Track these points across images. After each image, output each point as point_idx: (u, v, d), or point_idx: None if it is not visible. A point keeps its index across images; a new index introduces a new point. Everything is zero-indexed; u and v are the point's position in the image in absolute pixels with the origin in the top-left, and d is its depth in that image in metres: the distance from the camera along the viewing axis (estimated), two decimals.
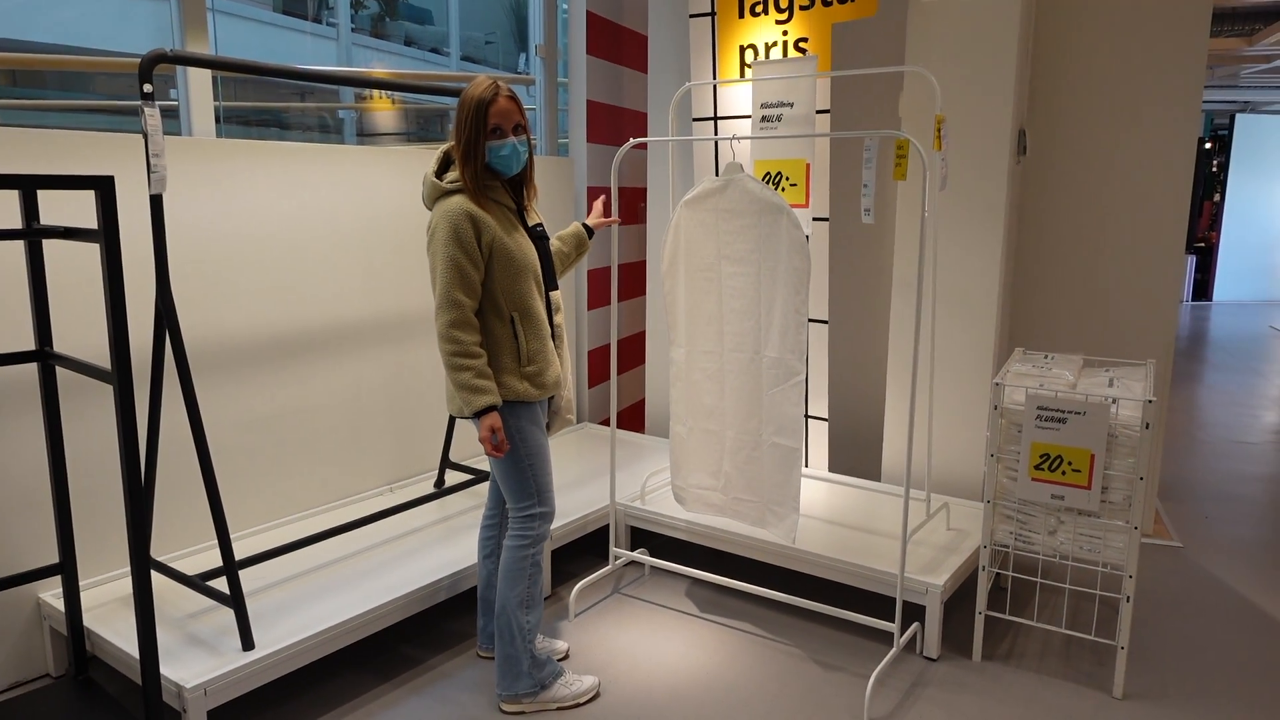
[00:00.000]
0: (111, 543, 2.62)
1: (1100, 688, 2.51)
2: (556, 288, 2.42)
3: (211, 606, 2.48)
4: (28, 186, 1.74)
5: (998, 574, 2.94)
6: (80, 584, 2.54)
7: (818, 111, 3.30)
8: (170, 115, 2.95)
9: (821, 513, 3.17)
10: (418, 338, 3.46)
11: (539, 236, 2.37)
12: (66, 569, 2.29)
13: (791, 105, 3.17)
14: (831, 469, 3.63)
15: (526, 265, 2.27)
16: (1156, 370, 2.78)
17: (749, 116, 3.52)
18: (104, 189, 1.80)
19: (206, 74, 2.89)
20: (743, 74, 3.51)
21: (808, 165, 3.22)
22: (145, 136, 2.14)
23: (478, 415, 2.20)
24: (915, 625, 2.67)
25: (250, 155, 2.84)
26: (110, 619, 2.41)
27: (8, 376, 2.38)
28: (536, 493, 2.35)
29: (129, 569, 2.62)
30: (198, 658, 2.21)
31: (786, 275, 2.52)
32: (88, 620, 2.38)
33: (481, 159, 2.22)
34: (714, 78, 3.60)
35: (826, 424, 3.57)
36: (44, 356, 2.17)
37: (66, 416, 2.49)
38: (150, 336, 2.60)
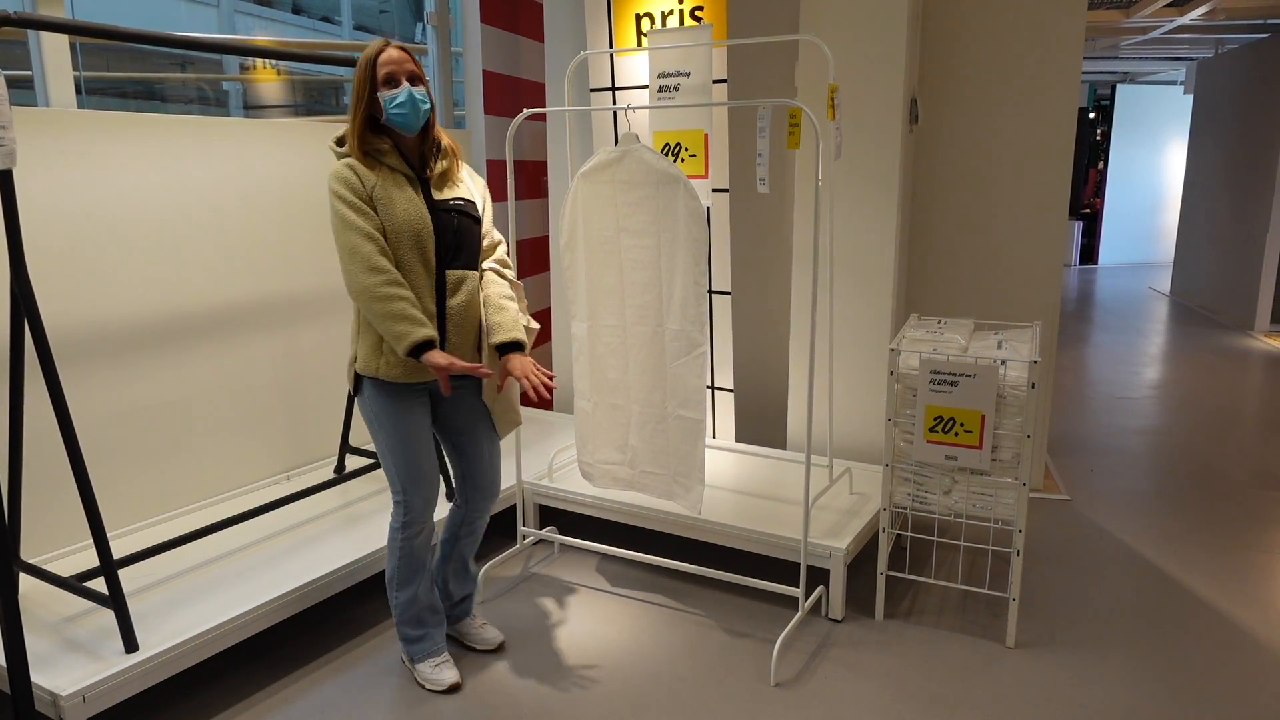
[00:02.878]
0: None
1: (994, 639, 2.61)
2: (462, 265, 2.21)
3: (89, 609, 2.34)
4: None
5: (897, 535, 3.02)
6: None
7: (715, 81, 3.28)
8: (26, 85, 2.74)
9: (728, 483, 3.19)
10: (308, 319, 3.33)
11: (449, 211, 2.19)
12: None
13: (688, 75, 3.15)
14: (738, 439, 3.66)
15: (407, 229, 2.11)
16: (1043, 332, 2.88)
17: (647, 87, 3.48)
18: None
19: (63, 40, 2.69)
20: (639, 43, 3.47)
21: (705, 136, 3.20)
22: None
23: (417, 354, 2.07)
24: (820, 589, 2.72)
25: (115, 128, 2.66)
26: None
27: None
28: (397, 481, 2.26)
29: None
30: (76, 663, 2.09)
31: (686, 246, 2.50)
32: None
33: (365, 116, 2.13)
34: (611, 47, 3.55)
35: (732, 395, 3.60)
36: None
37: None
38: (8, 324, 2.42)
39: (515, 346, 2.22)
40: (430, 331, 2.09)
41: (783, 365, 3.96)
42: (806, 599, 2.63)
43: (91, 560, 2.57)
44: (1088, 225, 11.58)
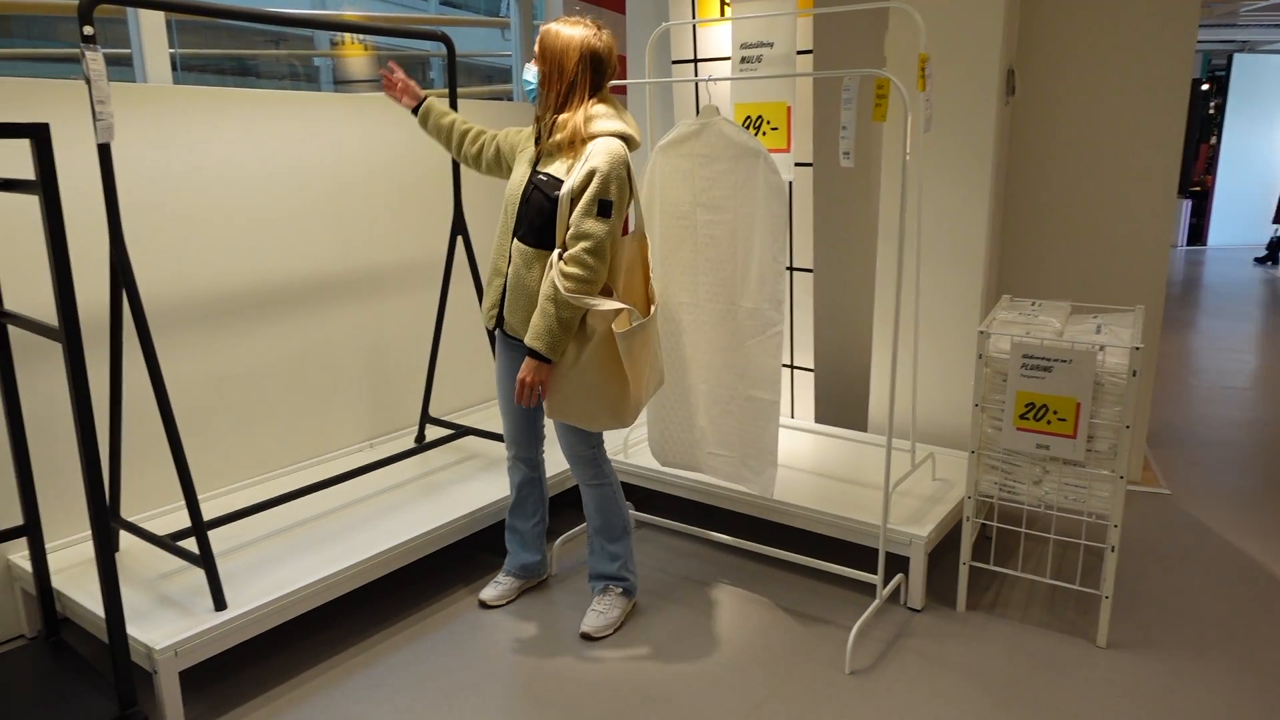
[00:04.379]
0: (83, 502, 2.57)
1: (1084, 636, 2.49)
2: (521, 236, 2.29)
3: (184, 567, 2.44)
4: None
5: (982, 524, 2.92)
6: (51, 545, 2.50)
7: (799, 52, 3.19)
8: (126, 63, 2.83)
9: (806, 464, 3.13)
10: (392, 289, 3.39)
11: (541, 185, 2.27)
12: (31, 531, 2.24)
13: (771, 45, 3.06)
14: (818, 420, 3.59)
15: (508, 191, 2.36)
16: (1146, 316, 2.72)
17: (729, 59, 3.40)
18: (39, 137, 1.71)
19: (159, 18, 2.77)
20: (723, 13, 3.39)
21: (789, 108, 3.11)
22: (88, 82, 2.05)
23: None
24: (899, 576, 2.65)
25: (209, 102, 2.73)
26: (81, 580, 2.37)
27: None
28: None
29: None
30: (169, 619, 2.18)
31: (764, 222, 2.44)
32: (57, 582, 2.34)
33: None
34: (693, 18, 3.48)
35: (812, 374, 3.52)
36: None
37: (30, 375, 2.42)
38: (108, 293, 2.52)
39: (530, 351, 2.25)
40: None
41: (865, 345, 3.85)
42: (885, 586, 2.56)
43: (187, 520, 2.68)
44: (1197, 204, 10.94)
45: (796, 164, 3.27)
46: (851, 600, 2.70)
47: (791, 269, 3.43)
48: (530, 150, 2.37)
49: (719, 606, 2.67)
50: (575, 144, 2.25)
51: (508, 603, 2.70)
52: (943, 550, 2.95)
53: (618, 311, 2.23)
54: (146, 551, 2.52)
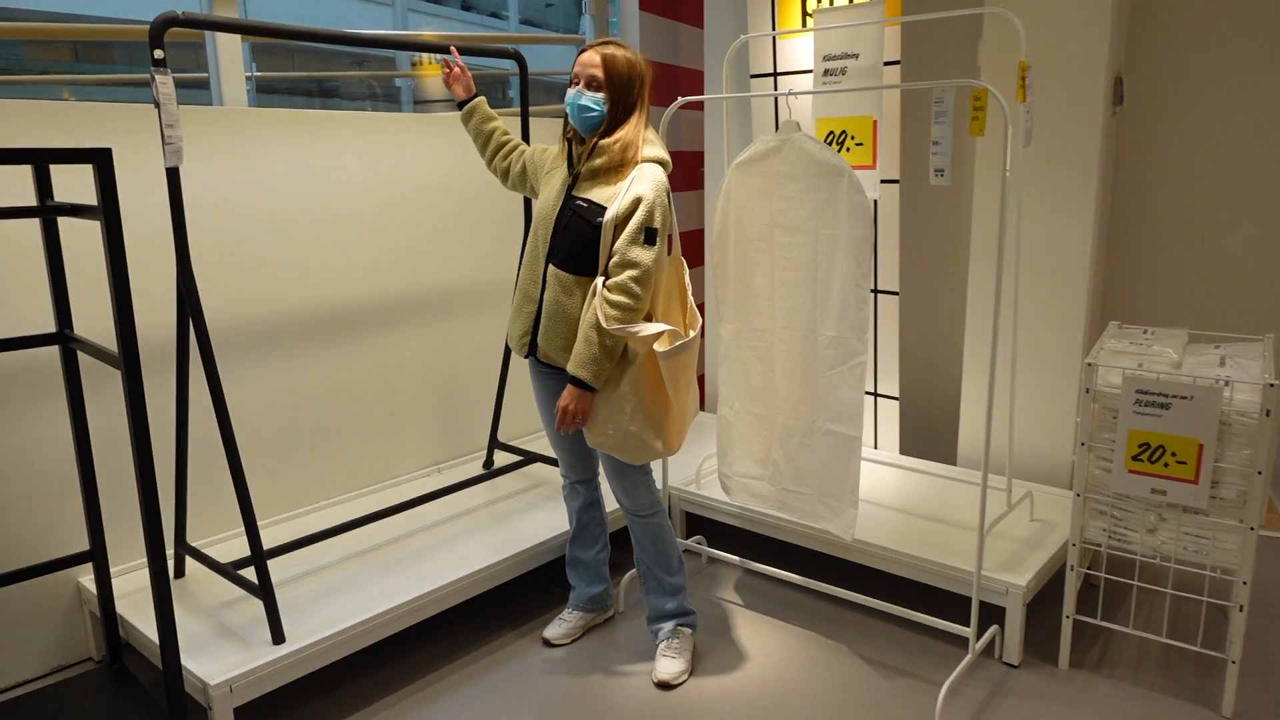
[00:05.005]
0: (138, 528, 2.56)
1: (1206, 704, 2.24)
2: (559, 262, 2.20)
3: (247, 595, 2.40)
4: (19, 161, 1.63)
5: (1087, 574, 2.67)
6: (117, 569, 2.49)
7: (886, 63, 3.02)
8: (205, 86, 2.85)
9: (890, 500, 2.94)
10: (462, 311, 3.33)
11: (581, 211, 2.18)
12: (97, 556, 2.23)
13: (856, 57, 2.90)
14: (903, 451, 3.38)
15: (539, 215, 2.27)
16: (1277, 347, 2.45)
17: (811, 71, 3.25)
18: (101, 163, 1.68)
19: (236, 41, 2.78)
20: (804, 24, 3.24)
21: (875, 123, 2.94)
22: (158, 106, 2.03)
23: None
24: (994, 628, 2.44)
25: (282, 124, 2.72)
26: (144, 606, 2.35)
27: (40, 359, 2.32)
28: None
29: (169, 553, 2.56)
30: (226, 651, 2.13)
31: (847, 244, 2.28)
32: (121, 607, 2.33)
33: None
34: (773, 29, 3.34)
35: (897, 403, 3.32)
36: (64, 339, 2.10)
37: (99, 399, 2.42)
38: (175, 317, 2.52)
39: (573, 379, 2.17)
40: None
41: (955, 373, 3.63)
42: (978, 639, 2.36)
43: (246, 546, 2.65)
44: None
45: (883, 181, 3.09)
46: (940, 653, 2.50)
47: (876, 291, 3.25)
48: (561, 172, 2.28)
49: (794, 653, 2.50)
50: (620, 167, 2.17)
51: (573, 641, 2.58)
52: (1042, 600, 2.72)
53: (659, 334, 2.13)
54: (213, 577, 2.50)
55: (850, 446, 2.35)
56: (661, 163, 2.22)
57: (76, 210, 1.83)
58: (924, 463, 3.26)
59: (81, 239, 2.36)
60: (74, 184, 2.31)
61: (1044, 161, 2.93)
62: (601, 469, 2.42)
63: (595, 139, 2.19)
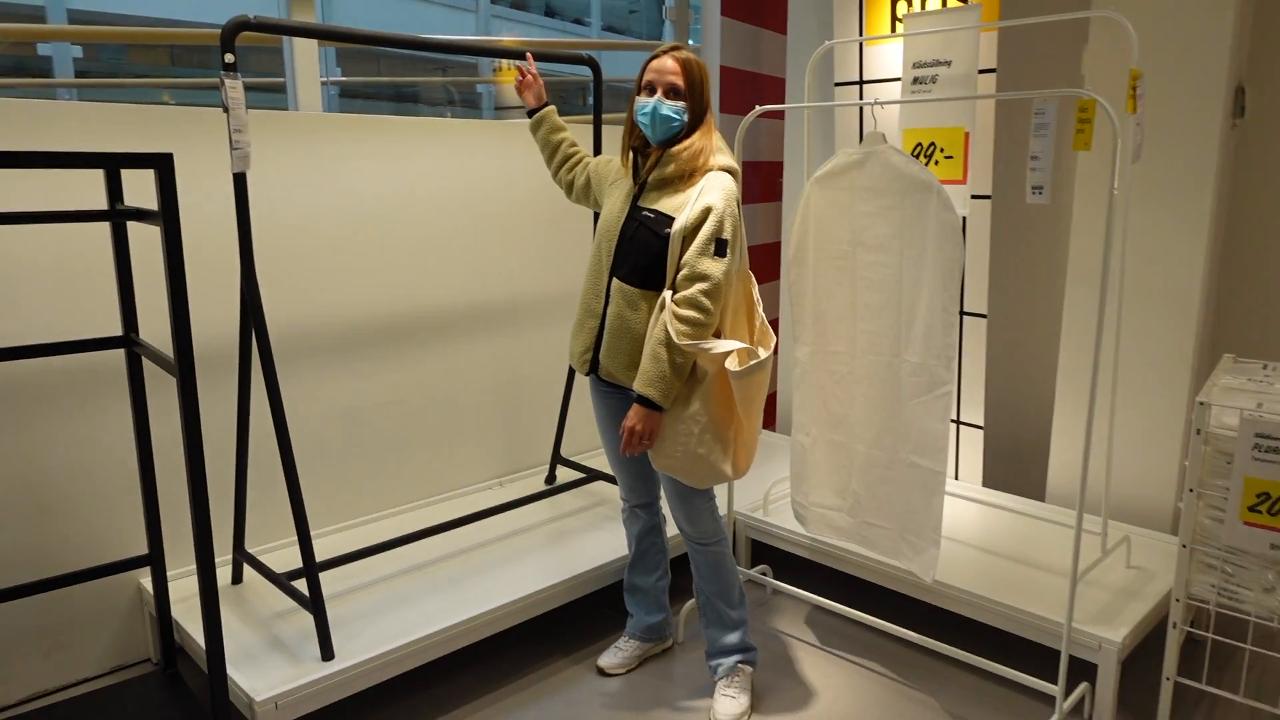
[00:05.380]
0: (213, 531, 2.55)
1: None
2: (625, 276, 2.11)
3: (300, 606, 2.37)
4: (80, 165, 1.61)
5: (1191, 632, 2.44)
6: (176, 573, 2.49)
7: (980, 71, 2.84)
8: (280, 90, 2.86)
9: (972, 537, 2.75)
10: (527, 323, 3.27)
11: (647, 223, 2.08)
12: (154, 560, 2.22)
13: (949, 64, 2.73)
14: (986, 484, 3.18)
15: (603, 227, 2.19)
16: None
17: (900, 80, 3.09)
18: (162, 168, 1.66)
19: (313, 46, 2.77)
20: (894, 29, 3.08)
21: (966, 134, 2.77)
22: (226, 110, 2.01)
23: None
24: (1084, 686, 2.24)
25: (354, 130, 2.70)
26: (199, 611, 2.33)
27: (109, 362, 2.33)
28: None
29: (227, 559, 2.56)
30: (276, 664, 2.10)
31: (935, 265, 2.12)
32: (176, 612, 2.32)
33: (630, 115, 2.16)
34: (860, 35, 3.19)
35: (981, 433, 3.13)
36: (128, 343, 2.09)
37: (164, 404, 2.43)
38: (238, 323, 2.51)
39: (640, 398, 2.06)
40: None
41: (1045, 402, 3.40)
42: (1066, 698, 2.16)
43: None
44: None
45: (973, 196, 2.91)
46: (1023, 709, 2.31)
47: (963, 313, 3.06)
48: (626, 183, 2.19)
49: (863, 698, 2.35)
50: (690, 176, 2.07)
51: (628, 671, 2.48)
52: (1139, 658, 2.50)
53: (731, 351, 2.01)
54: (265, 584, 2.48)
55: (934, 481, 2.19)
56: (732, 171, 2.10)
57: (139, 215, 1.81)
58: (1009, 497, 3.06)
59: (153, 243, 2.37)
60: (148, 188, 2.32)
61: (1155, 179, 2.71)
62: (663, 493, 2.32)
63: (665, 147, 2.10)
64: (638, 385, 2.05)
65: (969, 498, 3.07)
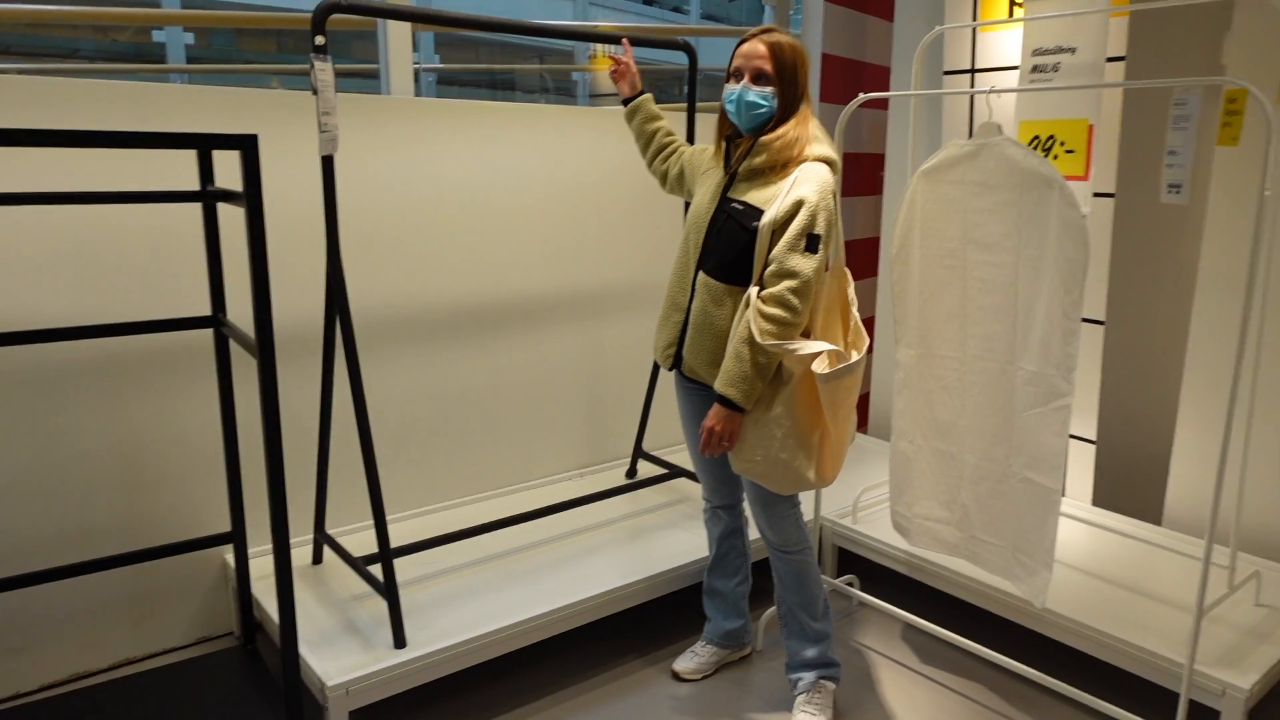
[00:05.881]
0: (294, 509, 2.57)
1: None
2: (711, 270, 2.02)
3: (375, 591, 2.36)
4: (168, 145, 1.60)
5: None
6: (256, 551, 2.51)
7: (1109, 59, 2.62)
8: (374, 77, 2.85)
9: (1081, 561, 2.56)
10: (614, 312, 3.20)
11: (736, 215, 1.98)
12: (236, 537, 2.24)
13: (1073, 51, 2.53)
14: (1096, 502, 2.96)
15: (692, 218, 2.10)
16: None
17: (1017, 68, 2.89)
18: (247, 149, 1.64)
19: (406, 31, 2.75)
20: (1011, 14, 2.89)
21: (1090, 127, 2.56)
22: (315, 93, 1.99)
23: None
24: None
25: (444, 115, 2.67)
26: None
27: (199, 341, 2.36)
28: None
29: (309, 539, 2.57)
30: (349, 649, 2.09)
31: (1055, 268, 1.95)
32: (256, 589, 2.34)
33: (721, 103, 2.06)
34: (974, 20, 2.99)
35: (1093, 447, 2.91)
36: (216, 323, 2.10)
37: (250, 383, 2.44)
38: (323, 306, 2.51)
39: (720, 398, 1.96)
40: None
41: (1165, 417, 3.15)
42: None
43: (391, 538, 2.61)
44: None
45: (1095, 194, 2.70)
46: None
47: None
48: (717, 173, 2.08)
49: None
50: (783, 167, 1.95)
51: (704, 677, 2.39)
52: (1267, 706, 2.27)
53: (818, 353, 1.89)
54: (344, 566, 2.48)
55: (1049, 500, 2.03)
56: (829, 162, 1.98)
57: (226, 196, 1.81)
58: (1122, 519, 2.84)
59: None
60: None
61: None
62: (745, 496, 2.21)
63: (756, 135, 1.99)
64: (719, 385, 1.95)
65: (1078, 518, 2.87)
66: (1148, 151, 3.03)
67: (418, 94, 2.80)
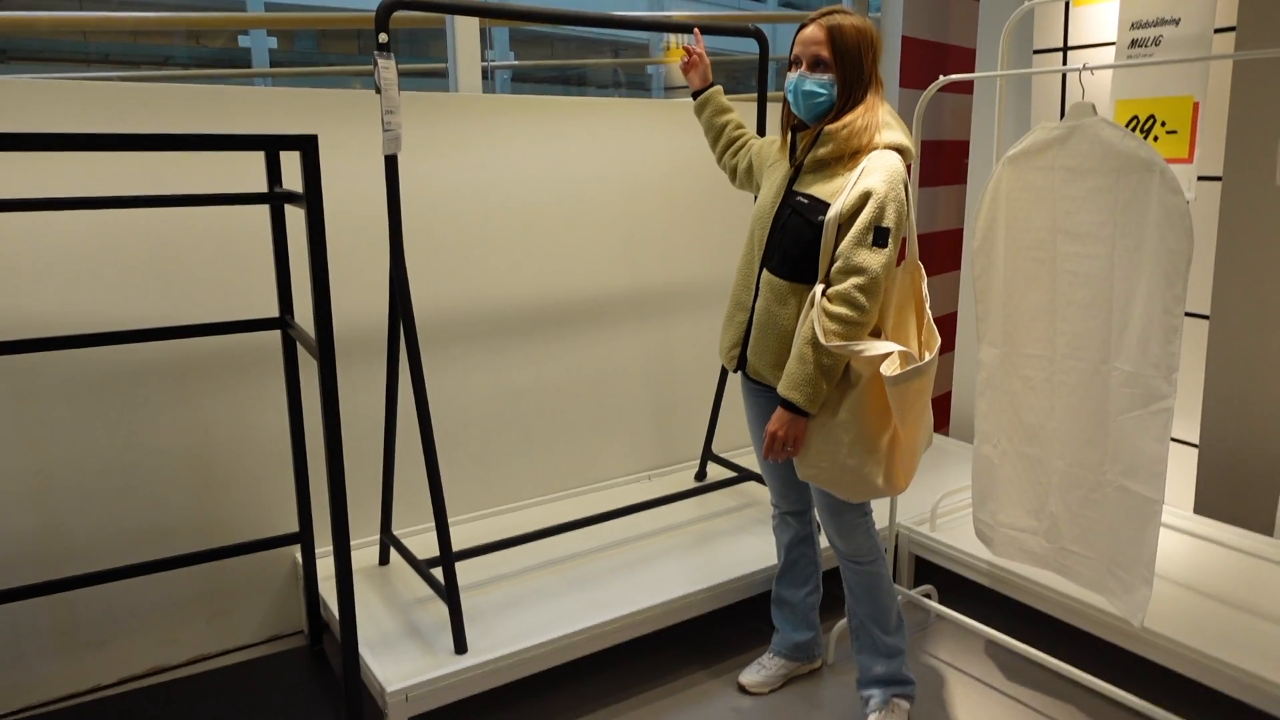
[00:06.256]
0: (362, 510, 2.58)
1: None
2: (774, 268, 1.94)
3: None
4: (228, 147, 1.60)
5: None
6: (324, 551, 2.52)
7: (1216, 30, 2.42)
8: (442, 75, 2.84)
9: (1183, 575, 2.37)
10: (683, 311, 3.12)
11: (800, 209, 1.89)
12: (304, 538, 2.25)
13: (1177, 23, 2.35)
14: (1198, 511, 2.76)
15: (757, 214, 2.02)
16: None
17: (1113, 44, 2.70)
18: (307, 149, 1.62)
19: (474, 27, 2.72)
20: None
21: (1195, 105, 2.37)
22: (378, 91, 1.97)
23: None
24: None
25: (513, 111, 2.63)
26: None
27: (268, 342, 2.38)
28: None
29: (375, 539, 2.58)
30: (410, 653, 2.07)
31: (1156, 259, 1.80)
32: (322, 590, 2.35)
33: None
34: None
35: (1196, 451, 2.71)
36: (284, 324, 2.11)
37: (315, 384, 2.46)
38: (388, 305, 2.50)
39: (784, 402, 1.87)
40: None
41: (1277, 419, 2.91)
42: None
43: (454, 540, 2.59)
44: None
45: (1200, 178, 2.50)
46: None
47: None
48: (783, 166, 1.99)
49: None
50: (853, 156, 1.85)
51: (771, 691, 2.30)
52: None
53: (887, 354, 1.77)
54: (409, 569, 2.47)
55: (1148, 510, 1.87)
56: (900, 150, 1.86)
57: (289, 198, 1.80)
58: (1229, 530, 2.63)
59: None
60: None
61: None
62: (814, 503, 2.12)
63: (821, 125, 1.88)
64: (782, 388, 1.86)
65: (1180, 528, 2.67)
66: (1260, 131, 2.80)
67: (492, 91, 2.78)
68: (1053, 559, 2.13)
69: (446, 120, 2.54)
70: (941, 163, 3.76)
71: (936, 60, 3.70)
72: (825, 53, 1.85)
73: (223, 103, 2.23)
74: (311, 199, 1.64)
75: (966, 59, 3.78)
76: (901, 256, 1.91)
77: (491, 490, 2.82)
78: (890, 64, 3.59)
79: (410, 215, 2.51)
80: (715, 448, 3.07)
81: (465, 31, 2.69)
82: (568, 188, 2.79)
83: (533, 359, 2.82)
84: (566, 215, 2.80)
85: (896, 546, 2.68)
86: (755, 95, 2.78)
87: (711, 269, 3.15)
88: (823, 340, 1.79)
